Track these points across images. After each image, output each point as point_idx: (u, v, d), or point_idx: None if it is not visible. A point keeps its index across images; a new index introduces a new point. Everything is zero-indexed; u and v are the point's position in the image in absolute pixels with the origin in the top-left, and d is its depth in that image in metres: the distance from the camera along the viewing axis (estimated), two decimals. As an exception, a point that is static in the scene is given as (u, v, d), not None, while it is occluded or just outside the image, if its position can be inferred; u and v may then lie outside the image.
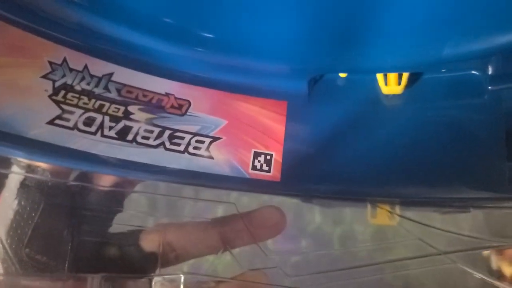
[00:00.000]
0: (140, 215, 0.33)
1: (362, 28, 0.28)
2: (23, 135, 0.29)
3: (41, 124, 0.30)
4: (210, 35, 0.32)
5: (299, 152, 0.33)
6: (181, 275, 0.31)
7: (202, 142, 0.33)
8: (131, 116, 0.32)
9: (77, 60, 0.32)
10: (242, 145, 0.33)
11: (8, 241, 0.29)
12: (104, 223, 0.33)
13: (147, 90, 0.33)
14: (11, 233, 0.29)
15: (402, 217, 0.31)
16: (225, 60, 0.34)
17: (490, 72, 0.31)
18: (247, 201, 0.33)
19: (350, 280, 0.31)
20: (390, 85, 0.32)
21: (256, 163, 0.33)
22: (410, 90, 0.33)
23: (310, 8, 0.28)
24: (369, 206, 0.32)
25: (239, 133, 0.34)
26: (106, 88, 0.32)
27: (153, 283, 0.31)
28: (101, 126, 0.31)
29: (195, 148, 0.33)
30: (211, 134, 0.34)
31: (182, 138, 0.33)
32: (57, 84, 0.31)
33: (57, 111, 0.30)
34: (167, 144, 0.33)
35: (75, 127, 0.31)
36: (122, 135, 0.31)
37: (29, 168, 0.31)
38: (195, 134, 0.33)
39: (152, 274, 0.31)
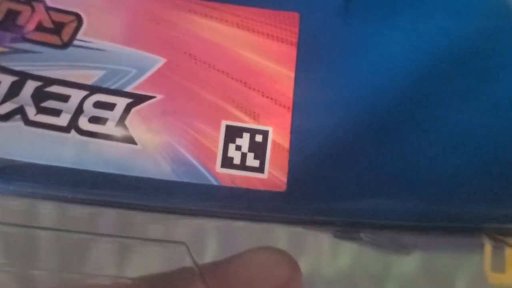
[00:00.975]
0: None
1: None
2: None
3: None
4: None
5: (327, 125, 0.15)
6: None
7: (110, 106, 0.15)
8: None
9: None
10: (199, 112, 0.15)
11: None
12: None
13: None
14: None
15: None
16: None
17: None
18: (214, 235, 0.15)
19: None
20: None
21: (232, 152, 0.15)
22: None
23: None
24: (487, 244, 0.14)
25: (190, 85, 0.15)
26: None
27: None
28: None
29: (93, 120, 0.15)
30: (129, 88, 0.15)
31: (64, 97, 0.15)
32: None
33: None
34: (31, 113, 0.15)
35: None
36: None
37: None
38: (93, 89, 0.15)
39: None
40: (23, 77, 0.15)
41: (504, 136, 0.16)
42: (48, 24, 0.15)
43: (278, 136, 0.15)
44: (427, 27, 0.16)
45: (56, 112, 0.15)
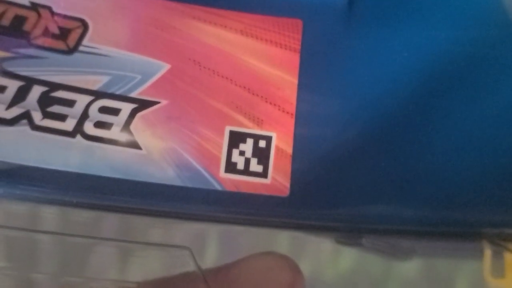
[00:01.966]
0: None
1: None
2: None
3: None
4: None
5: (330, 131, 0.16)
6: None
7: (115, 111, 0.15)
8: None
9: None
10: (203, 118, 0.15)
11: None
12: None
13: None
14: None
15: None
16: None
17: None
18: (217, 239, 0.15)
19: None
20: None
21: (236, 157, 0.15)
22: None
23: None
24: (487, 249, 0.14)
25: (195, 91, 0.15)
26: None
27: None
28: None
29: (98, 125, 0.15)
30: (134, 94, 0.15)
31: (70, 102, 0.15)
32: None
33: None
34: (37, 117, 0.15)
35: None
36: None
37: None
38: (98, 95, 0.15)
39: None
40: (30, 82, 0.15)
41: (504, 143, 0.16)
42: (54, 30, 0.15)
43: (281, 141, 0.15)
44: (429, 35, 0.17)
45: (62, 117, 0.15)
